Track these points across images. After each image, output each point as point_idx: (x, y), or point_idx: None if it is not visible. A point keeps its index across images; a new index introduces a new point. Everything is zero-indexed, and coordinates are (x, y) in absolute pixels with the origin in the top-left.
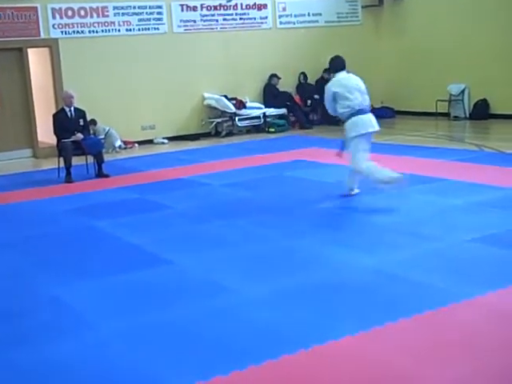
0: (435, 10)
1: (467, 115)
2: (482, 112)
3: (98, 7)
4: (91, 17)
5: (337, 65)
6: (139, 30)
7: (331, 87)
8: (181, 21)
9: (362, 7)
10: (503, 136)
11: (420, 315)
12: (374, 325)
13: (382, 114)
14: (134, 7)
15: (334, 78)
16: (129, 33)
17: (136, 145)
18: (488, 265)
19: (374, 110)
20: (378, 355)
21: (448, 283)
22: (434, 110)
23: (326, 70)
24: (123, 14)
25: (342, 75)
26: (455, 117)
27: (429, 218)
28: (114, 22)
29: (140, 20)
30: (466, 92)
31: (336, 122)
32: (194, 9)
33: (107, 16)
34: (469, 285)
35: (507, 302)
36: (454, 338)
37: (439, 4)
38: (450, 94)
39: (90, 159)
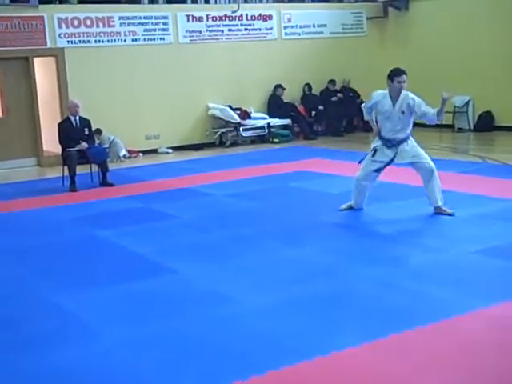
0: (439, 21)
1: (471, 127)
2: (486, 124)
3: (103, 17)
4: (97, 26)
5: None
6: (145, 40)
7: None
8: (186, 31)
9: (367, 19)
10: (507, 148)
11: (423, 327)
12: (377, 336)
13: None
14: (140, 17)
15: None
16: (134, 43)
17: (140, 154)
18: (491, 277)
19: None
20: (381, 366)
21: (451, 295)
22: (439, 122)
23: (330, 81)
24: (129, 24)
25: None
26: (459, 129)
27: (432, 230)
28: (119, 32)
29: (146, 30)
30: (471, 104)
31: (340, 133)
32: (200, 19)
33: (113, 26)
34: (472, 297)
35: (509, 316)
36: (456, 350)
37: (443, 15)
38: (454, 106)
39: (95, 168)
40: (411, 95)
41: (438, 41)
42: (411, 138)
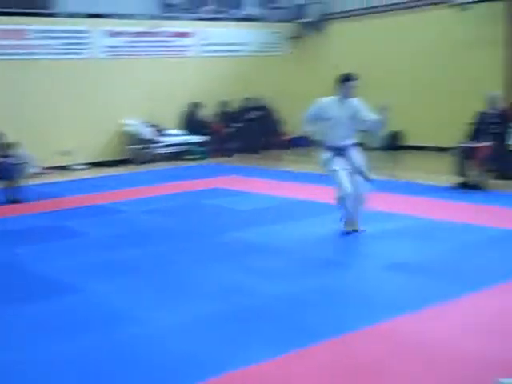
0: (356, 43)
1: (381, 146)
2: (394, 143)
3: (17, 29)
4: (11, 39)
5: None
6: (61, 54)
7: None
8: (105, 46)
9: (287, 38)
10: (414, 166)
11: (329, 341)
12: (284, 351)
13: (302, 142)
14: (57, 31)
15: None
16: (50, 57)
17: (53, 170)
18: (396, 292)
19: (294, 139)
20: (288, 381)
21: (357, 310)
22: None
23: (247, 99)
24: (45, 37)
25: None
26: (369, 147)
27: (341, 246)
28: (35, 46)
29: (62, 44)
30: None
31: (256, 150)
32: (119, 35)
33: (28, 39)
34: (377, 311)
35: (412, 328)
36: (361, 364)
37: (360, 37)
38: None
39: (2, 184)
40: (356, 100)
41: (353, 61)
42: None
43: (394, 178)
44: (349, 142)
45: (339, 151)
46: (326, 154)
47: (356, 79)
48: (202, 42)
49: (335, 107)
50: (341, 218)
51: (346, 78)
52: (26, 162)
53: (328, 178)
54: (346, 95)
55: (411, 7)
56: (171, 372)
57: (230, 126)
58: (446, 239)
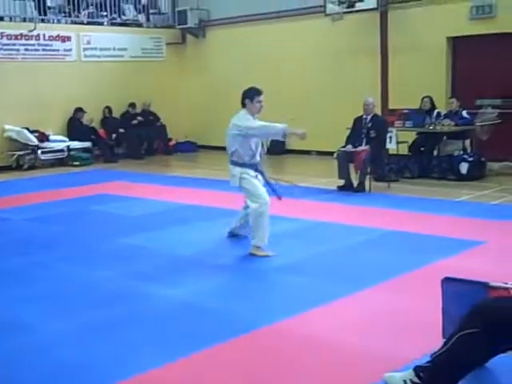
0: (236, 49)
1: (265, 150)
2: (278, 147)
3: None
4: None
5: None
6: None
7: None
8: None
9: (166, 44)
10: (296, 170)
11: (223, 344)
12: (179, 355)
13: (186, 148)
14: None
15: None
16: None
17: None
18: (283, 292)
19: (178, 145)
20: None
21: (249, 311)
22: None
23: (131, 105)
24: None
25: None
26: None
27: (227, 250)
28: None
29: None
30: None
31: (141, 155)
32: None
33: None
34: (267, 312)
35: (300, 327)
36: (255, 364)
37: (240, 44)
38: None
39: None
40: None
41: (233, 67)
42: None
43: (277, 182)
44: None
45: (255, 169)
46: (245, 175)
47: (262, 93)
48: (83, 46)
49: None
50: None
51: (254, 93)
52: None
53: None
54: (255, 110)
55: (290, 15)
56: (64, 381)
57: (114, 132)
58: (330, 240)
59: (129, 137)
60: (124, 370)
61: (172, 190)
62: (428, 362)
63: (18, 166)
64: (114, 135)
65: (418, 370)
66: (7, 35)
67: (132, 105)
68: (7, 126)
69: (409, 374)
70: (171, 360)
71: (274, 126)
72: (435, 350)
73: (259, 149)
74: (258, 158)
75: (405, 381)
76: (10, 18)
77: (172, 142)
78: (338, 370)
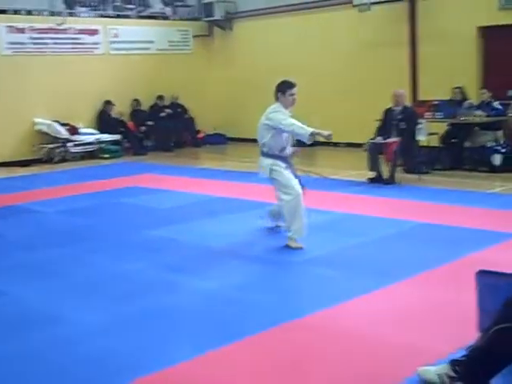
0: (263, 41)
1: (294, 143)
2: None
3: None
4: None
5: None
6: None
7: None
8: (8, 43)
9: (193, 36)
10: (327, 162)
11: (253, 336)
12: (209, 348)
13: (215, 140)
14: None
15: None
16: None
17: None
18: (315, 285)
19: (207, 137)
20: (213, 379)
21: (279, 304)
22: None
23: (159, 97)
24: None
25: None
26: None
27: (259, 242)
28: None
29: None
30: None
31: (169, 148)
32: (23, 31)
33: None
34: (298, 304)
35: (332, 320)
36: (285, 357)
37: (267, 36)
38: None
39: None
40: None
41: (260, 60)
42: None
43: (308, 175)
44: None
45: (286, 162)
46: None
47: (296, 86)
48: (110, 39)
49: None
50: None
51: (286, 86)
52: None
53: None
54: (288, 103)
55: (317, 7)
56: (96, 372)
57: (143, 124)
58: (361, 233)
59: (157, 129)
60: (154, 362)
61: (201, 183)
62: (463, 356)
63: (48, 159)
64: (142, 128)
65: (453, 364)
66: (36, 29)
67: (160, 97)
68: (38, 120)
69: (444, 368)
70: (200, 353)
71: (301, 127)
72: (470, 344)
73: (290, 142)
74: (288, 150)
75: (440, 375)
76: (39, 12)
77: (200, 135)
78: (371, 364)
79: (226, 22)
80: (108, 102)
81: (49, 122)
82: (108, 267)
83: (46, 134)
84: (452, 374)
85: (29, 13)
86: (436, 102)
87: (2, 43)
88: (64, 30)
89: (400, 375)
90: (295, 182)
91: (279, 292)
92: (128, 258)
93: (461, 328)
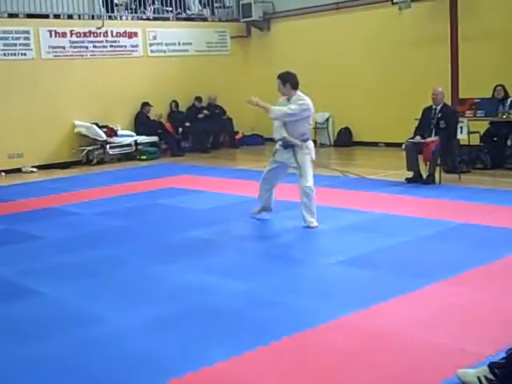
0: (300, 41)
1: (332, 142)
2: (345, 139)
3: None
4: None
5: (293, 81)
6: (5, 55)
7: (310, 106)
8: (49, 47)
9: (231, 37)
10: (364, 162)
11: (289, 337)
12: (246, 349)
13: (253, 141)
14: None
15: (302, 96)
16: None
17: (3, 174)
18: (352, 286)
19: (244, 138)
20: (251, 379)
21: (315, 305)
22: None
23: (197, 98)
24: None
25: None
26: (321, 144)
27: (297, 243)
28: None
29: (5, 45)
30: (330, 120)
31: (207, 149)
32: (63, 35)
33: None
34: (335, 306)
35: (369, 321)
36: (322, 357)
37: (304, 36)
38: (316, 122)
39: None
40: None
41: (298, 60)
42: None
43: (345, 174)
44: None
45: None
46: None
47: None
48: (149, 41)
49: None
50: None
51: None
52: None
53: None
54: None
55: (356, 5)
56: (134, 372)
57: (180, 126)
58: (399, 233)
59: (195, 130)
60: (191, 363)
61: (238, 184)
62: (503, 359)
63: (87, 161)
64: (180, 129)
65: (492, 366)
66: (76, 33)
67: (198, 98)
68: (77, 122)
69: (483, 370)
70: (238, 353)
71: None
72: (510, 347)
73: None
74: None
75: (479, 377)
76: (79, 16)
77: (238, 135)
78: (409, 365)
79: (264, 23)
80: (145, 104)
81: (88, 124)
82: (145, 268)
83: (85, 136)
84: (491, 376)
85: (69, 17)
86: (477, 100)
87: (43, 47)
88: (103, 33)
89: (438, 377)
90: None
91: (315, 293)
92: (165, 260)
93: (501, 330)
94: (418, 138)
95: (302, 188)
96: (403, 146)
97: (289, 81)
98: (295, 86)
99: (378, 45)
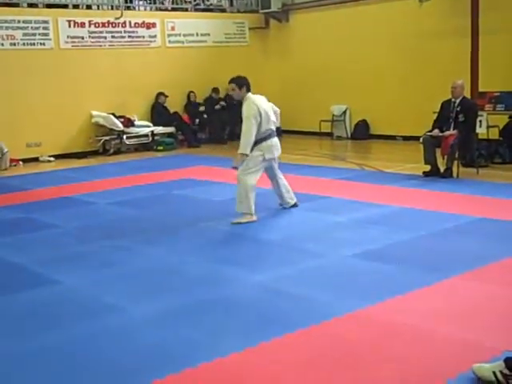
0: (319, 33)
1: (349, 135)
2: (362, 132)
3: None
4: None
5: (248, 84)
6: (24, 44)
7: (259, 108)
8: (68, 37)
9: (249, 29)
10: (382, 155)
11: (304, 329)
12: (260, 340)
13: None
14: (19, 21)
15: (252, 97)
16: (13, 47)
17: (21, 162)
18: (367, 279)
19: None
20: (265, 370)
21: (331, 298)
22: (318, 130)
23: (214, 89)
24: (7, 27)
25: (254, 95)
26: (338, 136)
27: (313, 235)
28: None
29: (25, 35)
30: (348, 113)
31: (223, 140)
32: (82, 25)
33: None
34: (350, 298)
35: (385, 315)
36: (336, 349)
37: (323, 28)
38: (333, 115)
39: None
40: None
41: (317, 52)
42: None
43: (362, 167)
44: None
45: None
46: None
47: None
48: (167, 32)
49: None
50: None
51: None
52: (3, 155)
53: None
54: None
55: None
56: (148, 362)
57: (197, 117)
58: (416, 227)
59: (212, 122)
60: (205, 353)
61: None
62: None
63: (104, 151)
64: (197, 120)
65: (509, 361)
66: (95, 23)
67: (215, 90)
68: (95, 112)
69: (499, 365)
70: (252, 344)
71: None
72: None
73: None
74: None
75: (494, 372)
76: (98, 6)
77: None
78: (424, 359)
79: (283, 14)
80: (161, 94)
81: (105, 114)
82: (161, 259)
83: (102, 126)
84: (507, 371)
85: (88, 7)
86: (497, 94)
87: (62, 37)
88: (122, 24)
89: (454, 371)
90: None
91: (331, 286)
92: (181, 250)
93: None
94: (436, 132)
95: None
96: (421, 139)
97: (244, 84)
98: (249, 89)
99: (397, 37)
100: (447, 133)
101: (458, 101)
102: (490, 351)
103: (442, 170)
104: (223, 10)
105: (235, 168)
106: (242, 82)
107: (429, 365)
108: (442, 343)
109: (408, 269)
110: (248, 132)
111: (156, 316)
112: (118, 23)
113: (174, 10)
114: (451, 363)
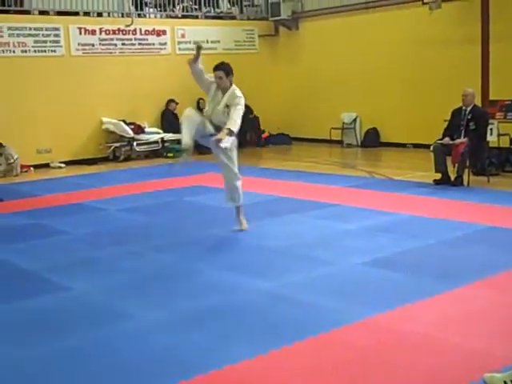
0: (329, 41)
1: (359, 143)
2: (372, 140)
3: None
4: None
5: (232, 71)
6: (35, 51)
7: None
8: (79, 44)
9: (259, 36)
10: (392, 163)
11: (314, 337)
12: (270, 348)
13: (279, 140)
14: (30, 28)
15: (236, 88)
16: (24, 54)
17: (31, 169)
18: (377, 287)
19: (271, 137)
20: (275, 379)
21: (340, 305)
22: (328, 138)
23: None
24: (18, 34)
25: None
26: (348, 144)
27: (323, 243)
28: (8, 43)
29: (36, 42)
30: (358, 121)
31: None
32: (93, 32)
33: (1, 36)
34: (359, 306)
35: (394, 323)
36: (346, 357)
37: (333, 35)
38: (343, 123)
39: None
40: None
41: (326, 59)
42: None
43: (372, 175)
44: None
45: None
46: None
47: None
48: (177, 39)
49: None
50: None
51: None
52: (14, 161)
53: None
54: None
55: (386, 5)
56: (158, 368)
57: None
58: (426, 235)
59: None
60: (216, 360)
61: (264, 182)
62: None
63: (114, 158)
64: None
65: None
66: (105, 30)
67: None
68: (105, 119)
69: (510, 375)
70: (263, 352)
71: None
72: None
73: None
74: None
75: (505, 382)
76: (108, 14)
77: (264, 134)
78: (435, 367)
79: (292, 22)
80: (171, 101)
81: (115, 121)
82: (172, 265)
83: (113, 132)
84: None
85: (99, 15)
86: (508, 102)
87: (73, 44)
88: (132, 31)
89: (465, 380)
90: None
91: (340, 293)
92: (190, 257)
93: None
94: (446, 140)
95: None
96: (431, 147)
97: (231, 71)
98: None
99: (408, 45)
100: (458, 141)
101: (468, 109)
102: (500, 360)
103: (452, 178)
104: (233, 18)
105: (219, 141)
106: (229, 70)
107: (439, 373)
108: (452, 352)
109: (418, 277)
110: (239, 118)
111: (166, 322)
112: (129, 30)
113: (184, 17)
114: (461, 372)
